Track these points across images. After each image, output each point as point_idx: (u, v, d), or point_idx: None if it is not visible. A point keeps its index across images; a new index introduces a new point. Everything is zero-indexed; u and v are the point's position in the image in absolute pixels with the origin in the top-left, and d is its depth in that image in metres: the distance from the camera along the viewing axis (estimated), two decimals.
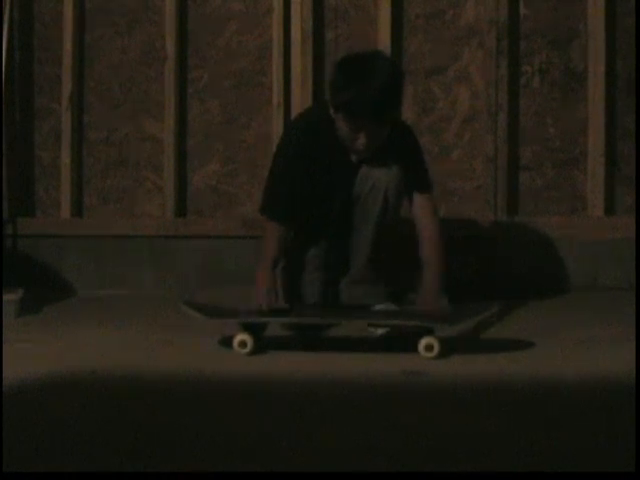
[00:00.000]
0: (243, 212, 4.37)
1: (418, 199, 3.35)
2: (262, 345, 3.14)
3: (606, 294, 4.14)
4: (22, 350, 3.18)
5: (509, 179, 4.29)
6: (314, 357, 3.10)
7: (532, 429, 2.28)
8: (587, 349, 3.15)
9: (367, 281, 3.45)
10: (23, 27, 4.43)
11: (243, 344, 3.10)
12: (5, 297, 3.77)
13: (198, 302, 3.38)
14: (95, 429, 2.30)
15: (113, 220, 4.41)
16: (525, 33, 4.31)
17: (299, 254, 3.46)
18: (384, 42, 4.25)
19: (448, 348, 3.06)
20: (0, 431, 2.20)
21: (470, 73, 4.32)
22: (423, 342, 3.04)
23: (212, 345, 3.22)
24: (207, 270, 4.33)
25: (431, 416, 2.41)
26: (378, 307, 3.44)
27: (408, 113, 4.28)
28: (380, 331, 3.34)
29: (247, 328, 3.13)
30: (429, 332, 3.07)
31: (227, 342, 3.16)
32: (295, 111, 4.18)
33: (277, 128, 4.26)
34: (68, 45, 4.39)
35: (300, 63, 4.30)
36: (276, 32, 4.33)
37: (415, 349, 3.04)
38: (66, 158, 4.41)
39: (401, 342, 3.17)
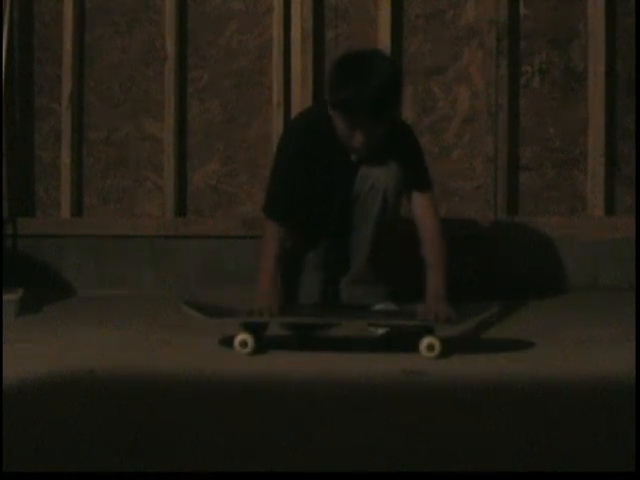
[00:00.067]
0: (243, 212, 4.37)
1: (418, 198, 3.35)
2: (263, 345, 3.14)
3: (606, 294, 4.14)
4: (22, 350, 3.18)
5: (509, 179, 4.29)
6: (314, 357, 3.10)
7: (532, 429, 2.28)
8: (587, 349, 3.15)
9: (367, 281, 3.45)
10: (23, 27, 4.43)
11: (244, 344, 3.10)
12: (5, 297, 3.77)
13: (198, 302, 3.38)
14: (95, 429, 2.30)
15: (113, 220, 4.41)
16: (525, 33, 4.31)
17: (299, 253, 3.46)
18: (384, 42, 4.25)
19: (449, 348, 3.06)
20: (0, 431, 2.20)
21: (470, 73, 4.32)
22: (424, 342, 3.04)
23: (212, 345, 3.22)
24: (207, 270, 4.33)
25: (431, 416, 2.41)
26: (378, 307, 3.44)
27: (408, 113, 4.29)
28: (380, 331, 3.34)
29: (248, 328, 3.13)
30: (430, 332, 3.07)
31: (227, 342, 3.16)
32: (295, 110, 4.18)
33: (277, 128, 4.26)
34: (68, 45, 4.39)
35: (300, 62, 4.30)
36: (276, 31, 4.33)
37: (415, 349, 3.04)
38: (66, 158, 4.41)
39: (401, 342, 3.17)
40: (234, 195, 4.40)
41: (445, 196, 4.27)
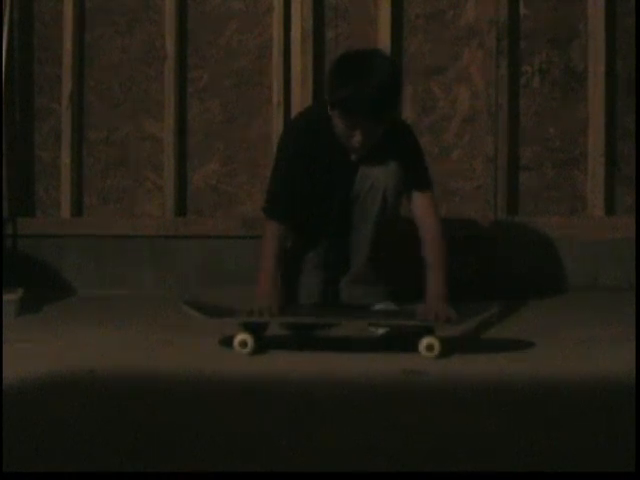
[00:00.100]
0: (243, 212, 4.37)
1: (418, 199, 3.34)
2: (263, 345, 3.14)
3: (606, 294, 4.14)
4: (22, 350, 3.18)
5: (509, 179, 4.29)
6: (314, 357, 3.10)
7: (532, 429, 2.28)
8: (587, 349, 3.15)
9: (367, 280, 3.45)
10: (23, 27, 4.43)
11: (244, 344, 3.10)
12: (5, 297, 3.77)
13: (198, 302, 3.38)
14: (95, 429, 2.30)
15: (113, 220, 4.41)
16: (525, 33, 4.31)
17: (299, 253, 3.46)
18: (384, 42, 4.25)
19: (449, 348, 3.06)
20: (0, 431, 2.20)
21: (470, 73, 4.32)
22: (424, 342, 3.04)
23: (212, 345, 3.22)
24: (207, 270, 4.33)
25: (431, 416, 2.41)
26: (378, 306, 3.44)
27: (408, 113, 4.29)
28: (380, 331, 3.34)
29: (248, 328, 3.13)
30: (429, 332, 3.07)
31: (227, 342, 3.16)
32: (295, 110, 4.18)
33: (277, 127, 4.26)
34: (68, 44, 4.39)
35: (300, 62, 4.30)
36: (276, 31, 4.33)
37: (415, 349, 3.04)
38: (66, 158, 4.41)
39: (401, 342, 3.17)
40: (234, 195, 4.40)
41: (445, 196, 4.27)
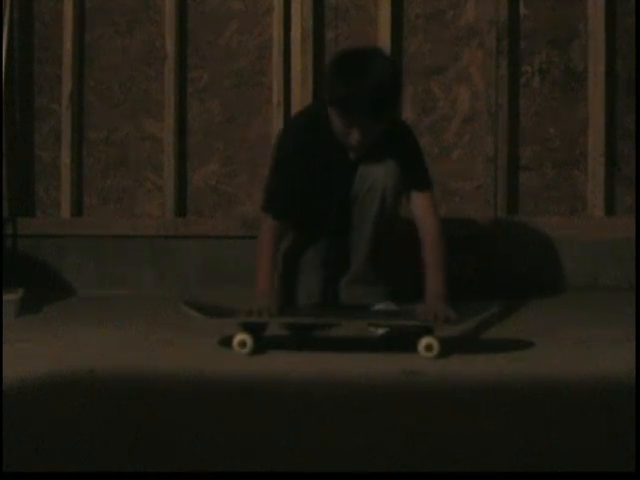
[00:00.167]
0: (243, 212, 4.37)
1: (418, 199, 3.34)
2: (262, 345, 3.14)
3: (606, 294, 4.14)
4: (22, 350, 3.18)
5: (509, 179, 4.29)
6: (314, 357, 3.10)
7: (531, 429, 2.28)
8: (587, 349, 3.15)
9: (367, 280, 3.45)
10: (23, 27, 4.43)
11: (243, 344, 3.10)
12: (5, 297, 3.77)
13: (198, 302, 3.38)
14: (95, 429, 2.30)
15: (113, 220, 4.41)
16: (525, 33, 4.31)
17: (299, 252, 3.46)
18: (384, 42, 4.25)
19: (448, 348, 3.06)
20: (0, 431, 2.20)
21: (470, 73, 4.32)
22: (423, 342, 3.04)
23: (212, 345, 3.22)
24: (207, 270, 4.33)
25: (430, 416, 2.41)
26: (378, 306, 3.44)
27: (408, 113, 4.29)
28: (380, 331, 3.34)
29: (247, 328, 3.13)
30: (429, 332, 3.07)
31: (227, 342, 3.16)
32: (295, 110, 4.18)
33: (277, 127, 4.25)
34: (68, 45, 4.39)
35: (300, 62, 4.30)
36: (276, 31, 4.33)
37: (415, 349, 3.04)
38: (66, 158, 4.41)
39: (401, 342, 3.17)
40: (234, 195, 4.40)
41: (445, 196, 4.27)
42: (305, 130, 3.38)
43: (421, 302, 3.22)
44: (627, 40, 4.28)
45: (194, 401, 2.57)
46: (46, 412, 2.45)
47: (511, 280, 4.21)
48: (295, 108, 4.23)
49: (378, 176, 3.33)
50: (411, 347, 3.05)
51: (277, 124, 4.28)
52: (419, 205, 3.33)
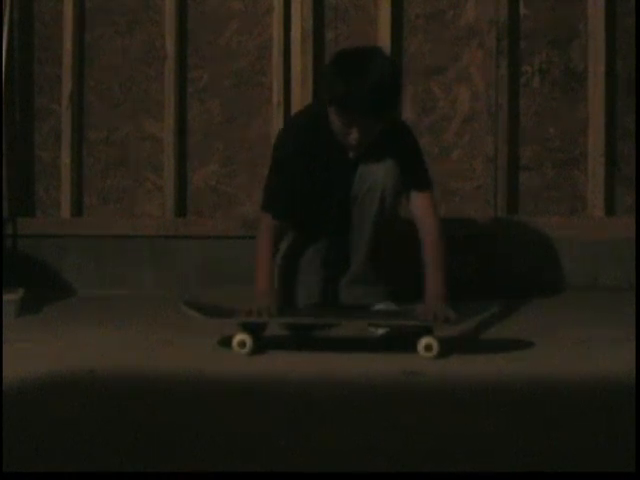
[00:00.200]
0: (243, 212, 4.37)
1: (418, 199, 3.34)
2: (261, 345, 3.14)
3: (606, 294, 4.14)
4: (22, 350, 3.18)
5: (509, 179, 4.29)
6: (313, 357, 3.10)
7: (531, 429, 2.28)
8: (587, 349, 3.15)
9: (367, 280, 3.45)
10: (23, 27, 4.43)
11: (242, 344, 3.10)
12: (5, 297, 3.77)
13: (198, 302, 3.38)
14: (95, 429, 2.30)
15: (113, 220, 4.41)
16: (525, 33, 4.31)
17: (298, 251, 3.46)
18: (384, 42, 4.25)
19: (447, 348, 3.06)
20: (0, 431, 2.20)
21: (470, 73, 4.32)
22: (422, 342, 3.04)
23: (212, 345, 3.22)
24: (207, 270, 4.33)
25: (430, 416, 2.41)
26: (378, 306, 3.44)
27: (408, 113, 4.29)
28: (380, 331, 3.34)
29: (246, 328, 3.13)
30: (428, 332, 3.07)
31: (226, 342, 3.16)
32: (295, 110, 4.17)
33: (277, 127, 4.25)
34: (68, 45, 4.39)
35: (300, 62, 4.30)
36: (276, 31, 4.33)
37: (415, 349, 3.04)
38: (66, 158, 4.41)
39: (401, 342, 3.17)
40: (234, 196, 4.40)
41: (445, 196, 4.27)
42: (305, 130, 3.38)
43: (421, 302, 3.22)
44: (627, 40, 4.28)
45: (194, 401, 2.57)
46: (46, 412, 2.45)
47: (511, 280, 4.21)
48: (295, 108, 4.23)
49: (378, 176, 3.33)
50: (411, 347, 3.05)
51: (277, 124, 4.28)
52: (419, 205, 3.33)
